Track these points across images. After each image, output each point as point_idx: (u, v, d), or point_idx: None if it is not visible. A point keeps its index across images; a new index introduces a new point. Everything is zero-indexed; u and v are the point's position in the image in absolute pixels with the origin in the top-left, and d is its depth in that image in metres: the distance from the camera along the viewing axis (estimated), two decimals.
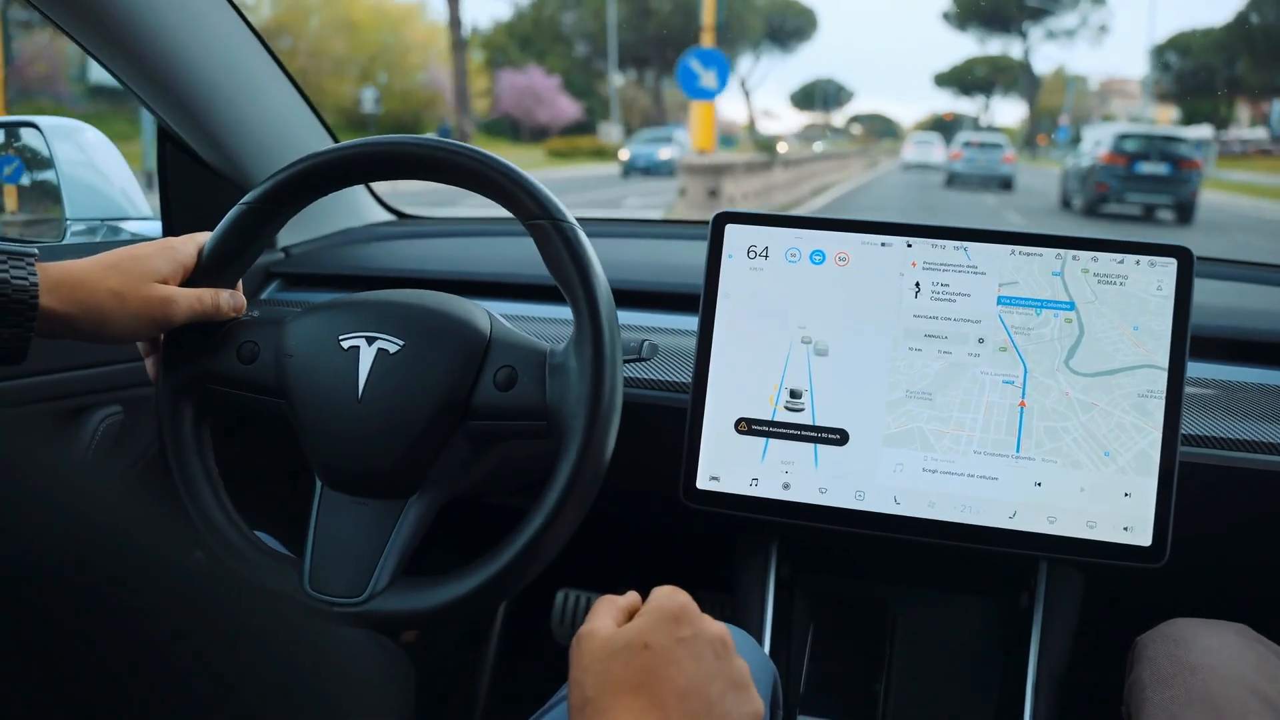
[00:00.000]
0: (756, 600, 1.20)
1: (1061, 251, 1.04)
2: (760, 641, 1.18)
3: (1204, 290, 1.26)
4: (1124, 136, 16.48)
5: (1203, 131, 44.44)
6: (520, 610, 1.76)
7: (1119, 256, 1.03)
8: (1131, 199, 16.28)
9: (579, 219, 0.92)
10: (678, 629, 0.69)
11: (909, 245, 1.06)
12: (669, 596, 0.72)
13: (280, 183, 0.95)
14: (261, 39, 1.34)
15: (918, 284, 1.05)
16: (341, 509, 0.92)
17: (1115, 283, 1.03)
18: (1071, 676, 1.17)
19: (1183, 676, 0.97)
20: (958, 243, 1.05)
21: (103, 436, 1.23)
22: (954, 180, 25.29)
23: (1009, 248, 1.04)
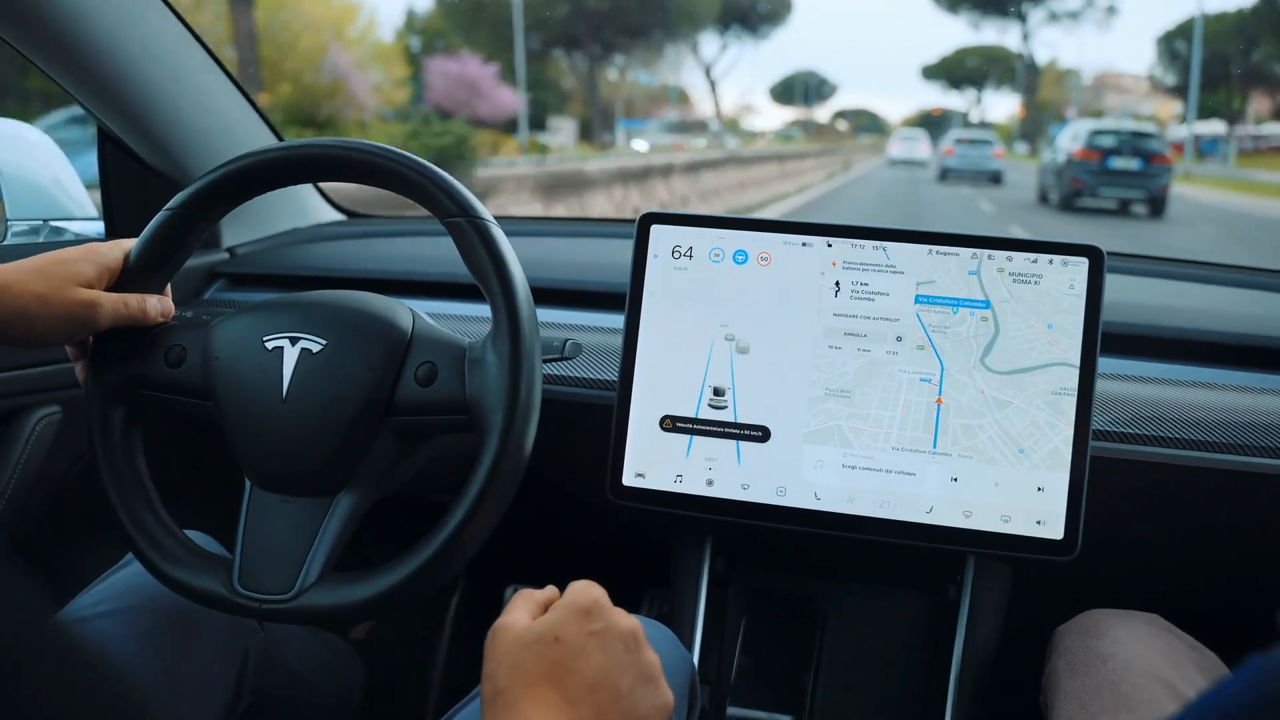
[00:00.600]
0: (690, 594, 1.22)
1: (978, 251, 1.06)
2: (693, 634, 1.20)
3: (1120, 287, 1.29)
4: (1097, 132, 17.02)
5: (1215, 127, 41.61)
6: (471, 606, 1.77)
7: (1033, 256, 1.05)
8: (1105, 193, 16.80)
9: (503, 217, 0.93)
10: (589, 623, 0.71)
11: (829, 245, 1.08)
12: (582, 591, 0.74)
13: (203, 187, 0.96)
14: (199, 38, 1.34)
15: (838, 283, 1.07)
16: (270, 508, 0.93)
17: (1030, 281, 1.05)
18: (997, 668, 1.19)
19: (1094, 666, 0.99)
20: (877, 242, 1.07)
21: (39, 437, 1.24)
22: (947, 174, 26.73)
23: (927, 247, 1.06)
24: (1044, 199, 18.96)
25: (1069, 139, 18.11)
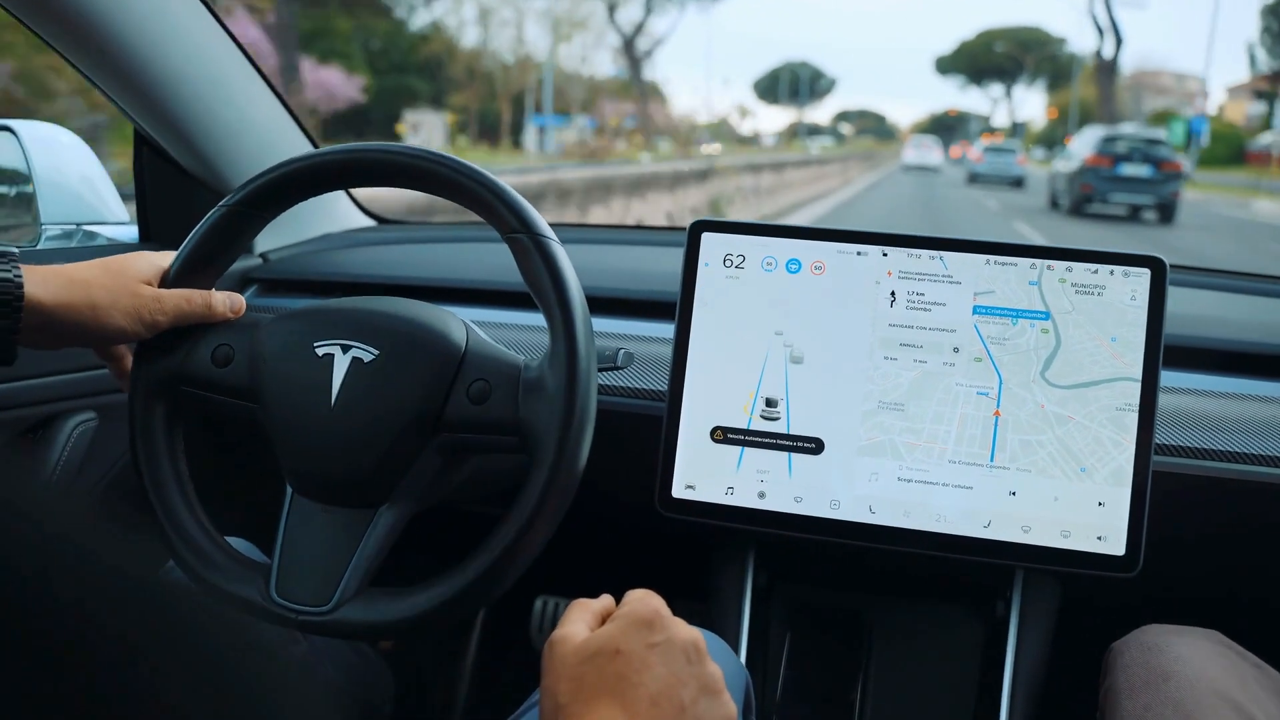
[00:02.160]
0: (733, 608, 1.20)
1: (1037, 261, 1.04)
2: (736, 649, 1.18)
3: (1181, 300, 1.27)
4: (1109, 139, 17.42)
5: None
6: (499, 617, 1.75)
7: (1093, 266, 1.03)
8: (1115, 199, 17.22)
9: (555, 224, 0.91)
10: (650, 634, 0.69)
11: (885, 255, 1.06)
12: (641, 601, 0.72)
13: (260, 186, 0.95)
14: (238, 43, 1.33)
15: (893, 293, 1.05)
16: (311, 516, 0.92)
17: (1093, 293, 1.03)
18: (1048, 684, 1.17)
19: (1155, 684, 0.97)
20: (934, 252, 1.05)
21: (75, 443, 1.22)
22: (975, 179, 30.30)
23: (985, 257, 1.04)
24: (1054, 204, 19.47)
25: (1081, 145, 18.58)
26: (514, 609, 1.76)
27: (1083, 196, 17.61)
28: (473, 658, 1.72)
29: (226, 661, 0.30)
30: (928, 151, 44.61)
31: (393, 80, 32.22)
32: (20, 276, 0.83)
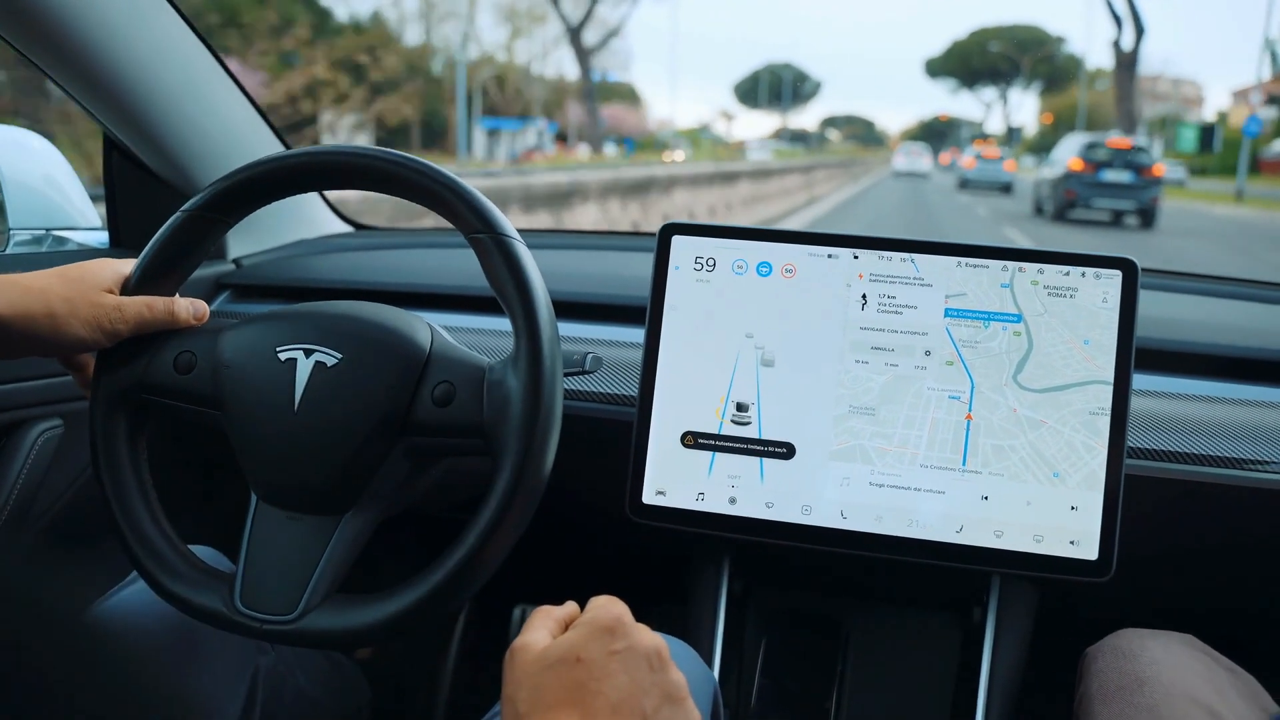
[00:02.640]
0: (708, 614, 1.19)
1: (1009, 263, 1.03)
2: (711, 656, 1.17)
3: (1154, 303, 1.26)
4: (1091, 145, 17.88)
5: None
6: (477, 626, 1.74)
7: (1065, 269, 1.02)
8: (1098, 204, 17.92)
9: (523, 230, 0.90)
10: (611, 641, 0.68)
11: (855, 257, 1.05)
12: (603, 608, 0.71)
13: (222, 190, 0.94)
14: (209, 45, 1.32)
15: (864, 296, 1.04)
16: (276, 523, 0.90)
17: (1065, 295, 1.02)
18: (1023, 690, 1.16)
19: (1130, 690, 0.96)
20: (905, 254, 1.04)
21: (40, 451, 1.20)
22: (966, 184, 31.88)
23: (956, 259, 1.04)
24: (1039, 210, 19.93)
25: (1064, 151, 19.04)
26: (493, 618, 1.75)
27: (1066, 202, 18.03)
28: (451, 667, 1.70)
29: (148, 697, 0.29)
30: (917, 158, 46.53)
31: (304, 75, 28.11)
32: None
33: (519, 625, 1.74)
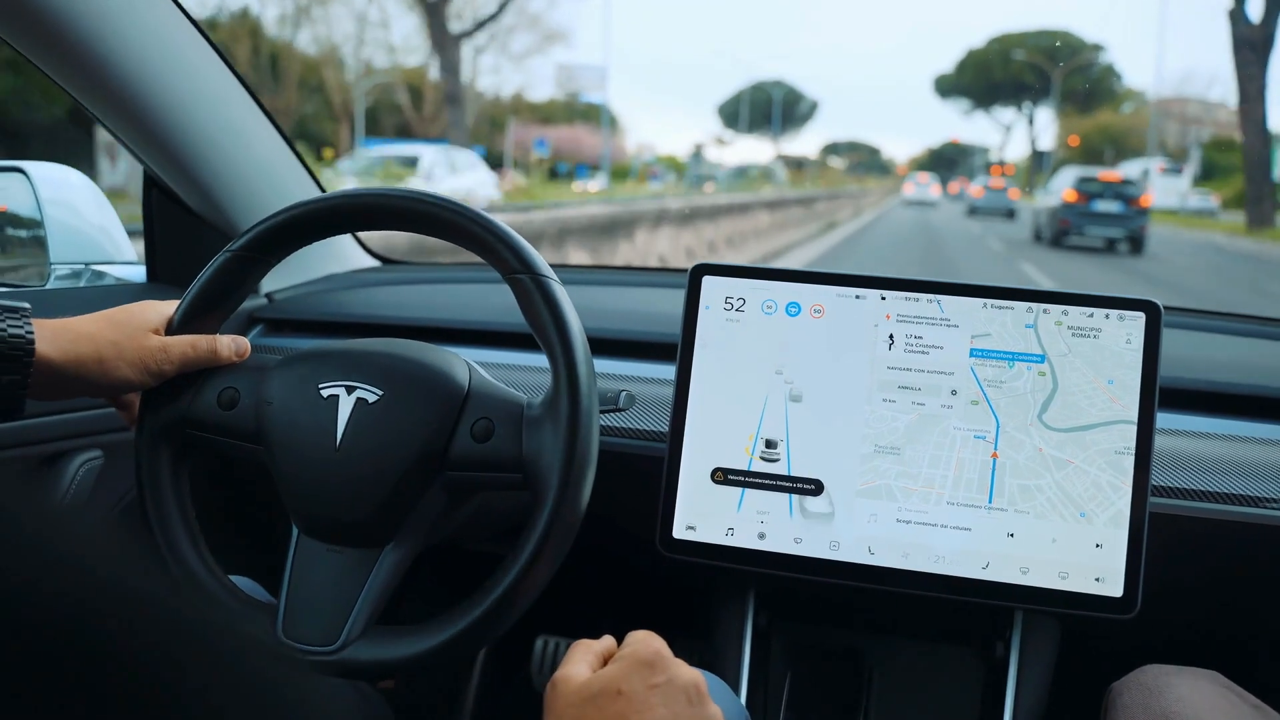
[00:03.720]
0: (734, 648, 1.20)
1: (1033, 305, 1.05)
2: (737, 689, 1.18)
3: (1177, 342, 1.28)
4: (1084, 179, 19.59)
5: None
6: (499, 656, 1.75)
7: (1089, 310, 1.04)
8: (1090, 232, 19.37)
9: (557, 266, 0.93)
10: (652, 675, 0.70)
11: (883, 298, 1.07)
12: (643, 642, 0.73)
13: (265, 231, 0.97)
14: (248, 87, 1.35)
15: (891, 336, 1.07)
16: (317, 556, 0.92)
17: (1089, 335, 1.04)
18: None
19: None
20: (931, 295, 1.07)
21: (81, 481, 1.23)
22: (974, 211, 34.21)
23: (981, 301, 1.06)
24: (1038, 238, 21.27)
25: (1060, 183, 20.68)
26: (515, 648, 1.76)
27: (1061, 230, 19.42)
28: (474, 697, 1.71)
29: (252, 691, 0.31)
30: (925, 187, 48.77)
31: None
32: (32, 333, 0.85)
33: (541, 656, 1.75)
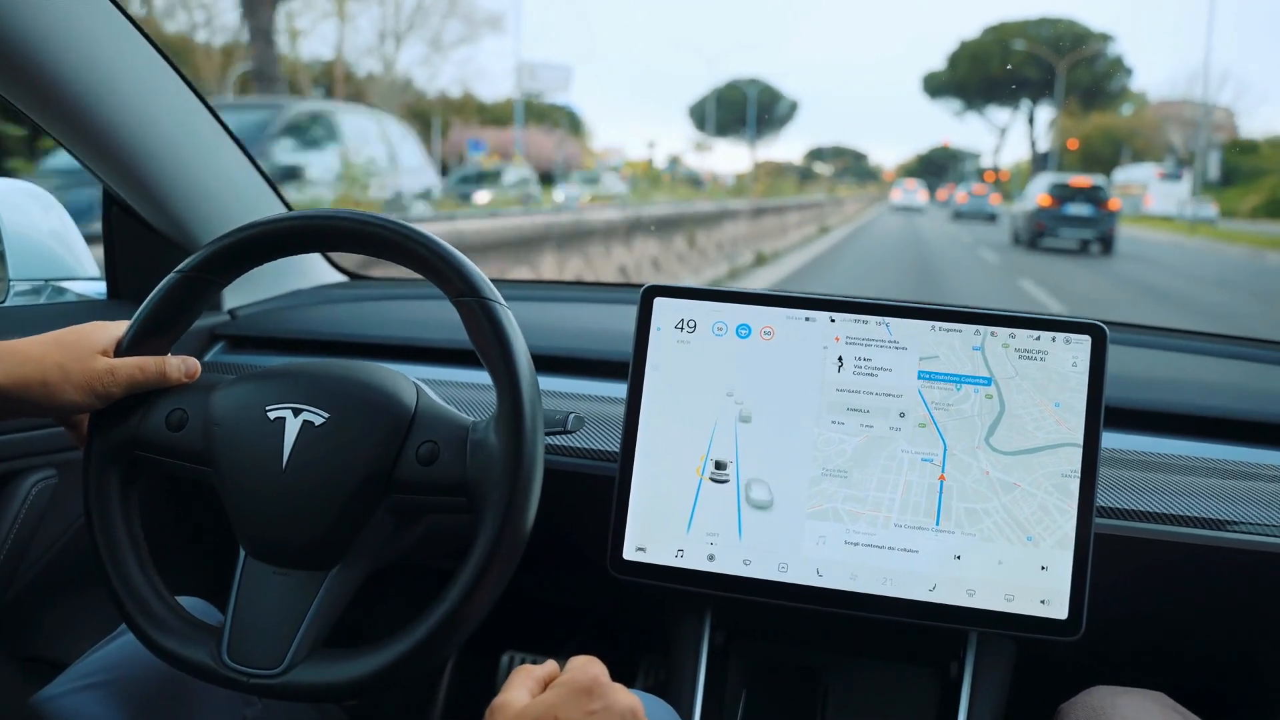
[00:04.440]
0: (689, 666, 1.21)
1: (981, 328, 1.06)
2: (692, 707, 1.18)
3: (1125, 360, 1.29)
4: (1056, 185, 20.76)
5: None
6: (466, 672, 1.75)
7: (1035, 333, 1.05)
8: (1064, 234, 20.51)
9: (506, 281, 0.93)
10: (588, 701, 0.70)
11: (832, 320, 1.08)
12: (581, 669, 0.74)
13: (215, 252, 0.97)
14: (206, 103, 1.35)
15: (840, 358, 1.07)
16: (264, 578, 0.92)
17: (1035, 358, 1.05)
18: None
19: None
20: (880, 318, 1.07)
21: (35, 500, 1.23)
22: (959, 215, 36.83)
23: (930, 323, 1.06)
24: (1016, 240, 22.43)
25: (1035, 189, 21.96)
26: (482, 663, 1.76)
27: (1037, 232, 20.58)
28: (439, 713, 1.71)
29: None
30: (913, 193, 50.66)
31: None
32: None
33: (507, 672, 1.75)
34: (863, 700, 1.28)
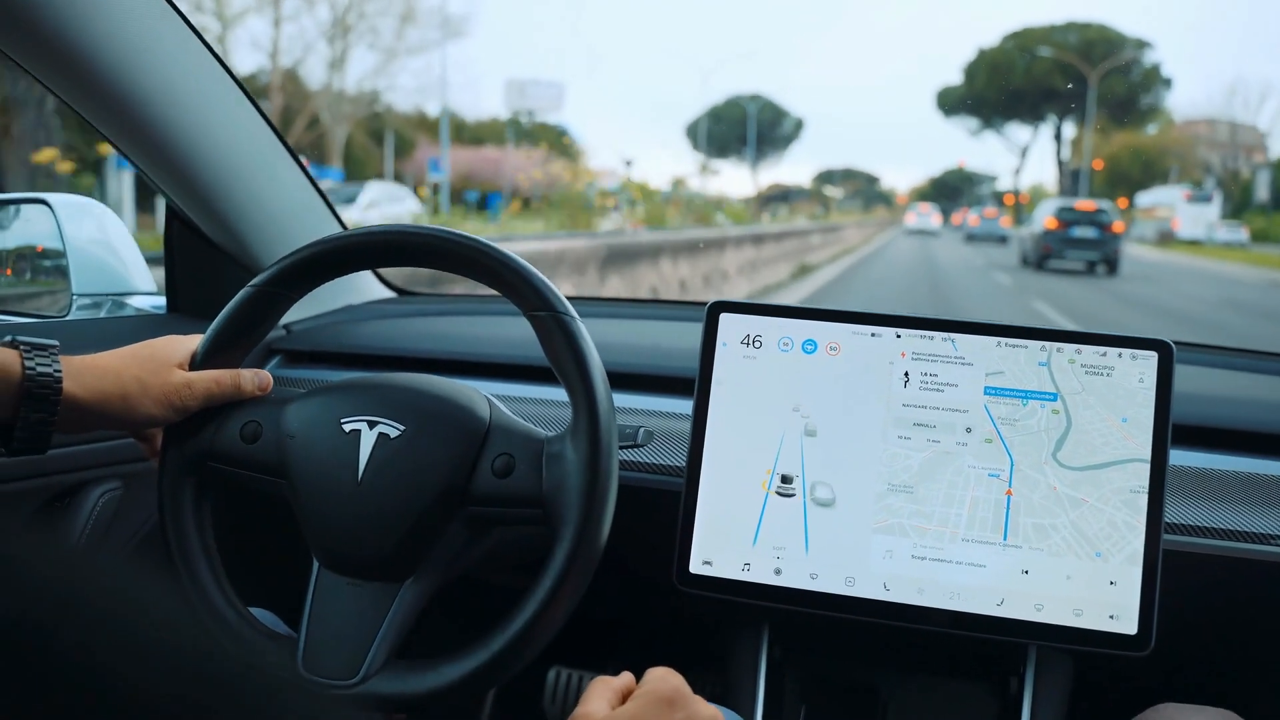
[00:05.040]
0: (749, 682, 1.21)
1: (1046, 344, 1.06)
2: None
3: (1189, 378, 1.29)
4: (1063, 209, 21.61)
5: None
6: (512, 688, 1.75)
7: (1102, 349, 1.05)
8: (1070, 256, 21.21)
9: (575, 298, 0.94)
10: (671, 712, 0.71)
11: (898, 336, 1.09)
12: (662, 679, 0.74)
13: (289, 266, 0.98)
14: (269, 121, 1.37)
15: (906, 374, 1.08)
16: (338, 590, 0.93)
17: (1102, 374, 1.05)
18: None
19: None
20: (945, 334, 1.08)
21: (101, 512, 1.24)
22: (971, 238, 38.59)
23: (995, 339, 1.07)
24: (1024, 262, 23.04)
25: (1042, 213, 22.72)
26: (528, 680, 1.76)
27: (1044, 254, 21.27)
28: None
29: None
30: (927, 217, 51.60)
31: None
32: (60, 372, 0.87)
33: (554, 687, 1.75)
34: (921, 716, 1.28)
